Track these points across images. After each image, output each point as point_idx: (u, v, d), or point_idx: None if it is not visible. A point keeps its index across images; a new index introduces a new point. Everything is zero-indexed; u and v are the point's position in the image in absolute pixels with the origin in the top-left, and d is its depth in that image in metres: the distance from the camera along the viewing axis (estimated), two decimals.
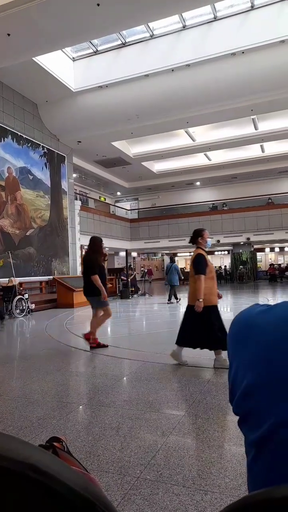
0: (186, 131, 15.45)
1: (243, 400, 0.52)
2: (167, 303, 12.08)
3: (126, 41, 11.04)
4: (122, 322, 8.85)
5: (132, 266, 23.83)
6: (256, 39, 9.85)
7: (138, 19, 8.95)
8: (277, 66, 10.23)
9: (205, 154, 18.94)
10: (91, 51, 11.46)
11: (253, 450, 0.51)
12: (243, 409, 0.53)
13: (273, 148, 18.17)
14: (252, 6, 9.89)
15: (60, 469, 0.37)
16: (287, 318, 0.53)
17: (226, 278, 24.20)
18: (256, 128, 15.12)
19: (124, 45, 11.11)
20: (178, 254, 29.71)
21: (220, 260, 27.41)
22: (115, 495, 1.96)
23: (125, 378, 4.16)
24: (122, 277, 16.27)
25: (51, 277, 13.16)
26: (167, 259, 29.77)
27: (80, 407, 3.29)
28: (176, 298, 12.12)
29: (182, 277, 12.75)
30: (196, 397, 3.40)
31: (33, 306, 10.91)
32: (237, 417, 0.57)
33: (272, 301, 12.23)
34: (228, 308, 10.80)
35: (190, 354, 5.21)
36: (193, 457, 2.35)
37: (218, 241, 20.50)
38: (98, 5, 7.77)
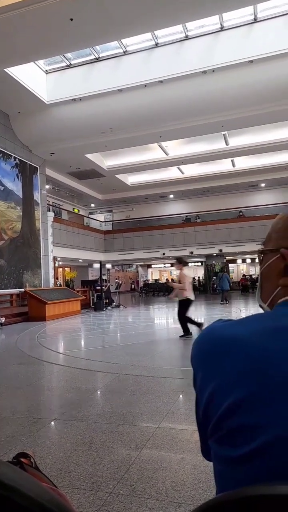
0: (159, 145, 15.73)
1: (228, 417, 0.50)
2: (221, 303, 14.86)
3: (100, 56, 11.19)
4: (96, 335, 8.73)
5: (106, 278, 23.70)
6: (225, 58, 10.24)
7: (110, 35, 9.12)
8: (246, 85, 10.65)
9: (178, 168, 19.30)
10: (64, 64, 11.52)
11: (238, 465, 0.49)
12: (228, 426, 0.50)
13: (243, 163, 18.78)
14: (221, 27, 10.30)
15: (25, 483, 0.36)
16: (264, 329, 0.53)
17: (200, 289, 24.45)
18: (227, 144, 15.60)
19: (97, 60, 11.25)
20: (152, 266, 29.85)
21: (194, 272, 27.72)
22: (87, 511, 1.91)
23: (98, 392, 4.09)
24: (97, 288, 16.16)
25: (23, 289, 12.85)
26: (141, 271, 29.81)
27: (52, 422, 3.20)
28: (226, 300, 15.03)
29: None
30: (170, 408, 3.38)
31: (3, 319, 10.58)
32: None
33: (244, 311, 12.40)
34: (202, 318, 10.89)
35: (164, 364, 5.20)
36: (167, 470, 2.32)
37: (192, 252, 20.77)
38: (71, 20, 7.87)
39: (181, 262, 7.46)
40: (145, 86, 11.09)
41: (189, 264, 27.26)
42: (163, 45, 10.78)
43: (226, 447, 0.51)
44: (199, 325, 7.20)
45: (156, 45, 10.78)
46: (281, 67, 10.07)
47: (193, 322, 7.20)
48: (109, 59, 11.20)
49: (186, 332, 7.17)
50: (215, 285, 22.73)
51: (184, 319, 7.20)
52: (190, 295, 7.12)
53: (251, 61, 10.17)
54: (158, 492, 2.07)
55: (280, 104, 11.19)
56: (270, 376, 0.48)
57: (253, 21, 10.05)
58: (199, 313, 12.91)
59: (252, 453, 0.47)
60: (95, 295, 16.18)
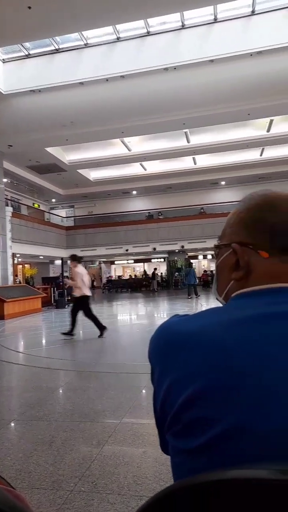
0: (122, 141, 15.65)
1: (185, 410, 0.50)
2: (188, 297, 15.09)
3: (60, 47, 10.91)
4: (58, 333, 8.58)
5: (68, 275, 23.30)
6: (186, 56, 10.35)
7: (70, 27, 8.94)
8: (207, 84, 10.84)
9: (141, 164, 19.33)
10: (22, 54, 11.12)
11: (194, 456, 0.49)
12: (185, 419, 0.51)
13: (204, 161, 19.16)
14: (182, 25, 10.39)
15: None
16: (218, 322, 0.54)
17: (163, 285, 24.75)
18: (188, 141, 15.83)
19: (57, 51, 10.96)
20: (116, 262, 29.77)
21: (158, 267, 27.98)
22: (48, 511, 1.87)
23: (59, 390, 4.03)
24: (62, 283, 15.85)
25: None
26: (104, 267, 29.63)
27: (11, 423, 3.11)
28: (197, 294, 15.28)
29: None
30: (133, 403, 3.40)
31: None
32: None
33: (205, 305, 12.68)
34: (165, 313, 11.02)
35: (127, 359, 5.21)
36: (129, 464, 2.34)
37: (154, 248, 20.94)
38: (29, 8, 7.60)
39: (75, 259, 7.31)
40: (107, 80, 10.97)
41: (152, 260, 27.47)
42: (125, 40, 10.71)
43: (183, 440, 0.51)
44: (101, 328, 7.02)
45: (118, 39, 10.69)
46: (240, 68, 10.34)
47: (98, 323, 7.02)
48: (69, 51, 10.95)
49: (71, 331, 7.03)
50: (178, 281, 23.12)
51: (75, 316, 7.03)
52: (86, 291, 6.97)
53: (212, 61, 10.36)
54: (119, 487, 2.07)
55: (239, 104, 11.50)
56: (225, 368, 0.49)
57: (213, 21, 10.24)
58: (162, 308, 13.09)
59: (207, 444, 0.48)
60: (56, 292, 15.88)
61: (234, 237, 0.64)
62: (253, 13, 9.90)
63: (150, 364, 0.60)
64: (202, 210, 22.26)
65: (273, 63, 10.16)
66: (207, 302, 13.47)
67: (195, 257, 27.83)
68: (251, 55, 10.09)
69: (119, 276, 28.91)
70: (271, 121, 14.05)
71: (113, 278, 27.87)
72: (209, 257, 28.74)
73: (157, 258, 27.09)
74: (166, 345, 0.57)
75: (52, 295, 16.17)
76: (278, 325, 0.52)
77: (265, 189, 0.66)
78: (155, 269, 23.63)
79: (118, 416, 3.13)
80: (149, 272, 26.21)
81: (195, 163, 19.38)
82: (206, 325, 0.55)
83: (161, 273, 26.70)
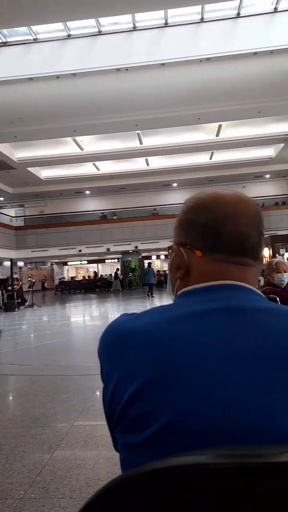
0: (74, 140, 15.39)
1: (130, 406, 0.52)
2: (149, 296, 15.27)
3: (7, 40, 10.50)
4: (7, 337, 8.24)
5: (18, 277, 22.47)
6: (138, 58, 10.42)
7: (18, 20, 8.65)
8: (159, 87, 10.99)
9: (93, 164, 19.14)
10: None
11: (138, 451, 0.51)
12: (130, 416, 0.52)
13: (156, 162, 19.41)
14: (134, 27, 10.46)
15: None
16: (161, 320, 0.57)
17: None
18: (141, 143, 15.94)
19: (5, 44, 10.54)
20: (69, 263, 29.22)
21: (111, 268, 27.88)
22: None
23: (9, 396, 3.88)
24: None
25: None
26: (56, 268, 28.95)
27: None
28: (151, 294, 15.32)
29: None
30: (86, 405, 3.36)
31: None
32: None
33: (158, 303, 12.88)
34: (119, 314, 11.02)
35: (80, 361, 5.15)
36: (81, 467, 2.31)
37: (108, 249, 20.86)
38: None
39: None
40: (58, 77, 10.75)
41: (106, 261, 27.36)
42: (76, 38, 10.55)
43: (129, 435, 0.53)
44: None
45: (69, 36, 10.51)
46: (190, 73, 10.62)
47: None
48: (18, 45, 10.58)
49: None
50: (132, 281, 23.21)
51: None
52: None
53: (163, 64, 10.53)
54: (71, 490, 2.05)
55: (189, 108, 11.79)
56: (167, 363, 0.51)
57: (164, 25, 10.43)
58: (117, 308, 13.08)
59: (151, 438, 0.49)
60: (5, 294, 15.25)
61: (176, 238, 0.68)
62: (202, 20, 10.22)
63: (100, 363, 0.61)
64: (155, 211, 22.56)
65: (221, 70, 10.56)
66: (160, 301, 13.68)
67: (149, 257, 28.14)
68: (201, 61, 10.40)
69: (72, 277, 28.42)
70: (220, 126, 14.58)
71: (66, 280, 27.34)
72: (162, 257, 29.20)
73: (111, 258, 27.02)
74: (113, 343, 0.58)
75: (1, 298, 15.50)
76: (214, 320, 0.55)
77: (201, 192, 0.68)
78: (118, 269, 23.56)
79: (70, 419, 3.08)
80: (104, 273, 26.08)
81: (147, 165, 19.58)
82: (150, 323, 0.57)
83: (115, 273, 26.66)
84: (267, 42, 10.08)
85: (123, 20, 10.38)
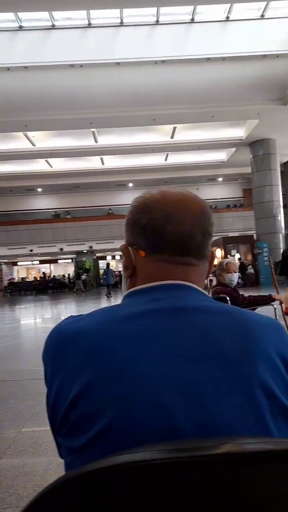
0: (25, 135, 14.86)
1: (72, 409, 0.51)
2: (108, 296, 15.30)
3: None
4: None
5: None
6: (92, 56, 10.31)
7: None
8: (113, 86, 10.95)
9: (46, 161, 18.63)
10: None
11: (81, 454, 0.50)
12: (72, 419, 0.52)
13: (112, 162, 19.32)
14: (89, 24, 10.33)
15: None
16: (104, 321, 0.57)
17: (70, 286, 24.25)
18: (96, 141, 15.77)
19: None
20: (19, 263, 28.17)
21: (64, 269, 27.30)
22: None
23: None
24: None
25: None
26: (5, 269, 27.79)
27: None
28: (109, 294, 15.25)
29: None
30: (35, 411, 3.22)
31: None
32: None
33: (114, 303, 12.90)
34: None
35: (29, 365, 4.97)
36: (29, 474, 2.20)
37: (61, 249, 20.42)
38: None
39: None
40: (8, 69, 10.33)
41: (59, 261, 26.74)
42: (29, 30, 10.21)
43: (71, 439, 0.52)
44: None
45: (20, 28, 10.14)
46: (145, 74, 10.71)
47: None
48: None
49: None
50: (86, 282, 22.88)
51: None
52: None
53: (118, 63, 10.51)
54: (18, 499, 1.94)
55: (145, 109, 11.86)
56: (107, 364, 0.51)
57: (119, 25, 10.40)
58: (70, 310, 12.83)
59: (92, 440, 0.49)
60: None
61: (125, 238, 0.69)
62: (157, 22, 10.33)
63: (43, 366, 0.60)
64: (110, 211, 22.45)
65: (176, 73, 10.76)
66: (116, 301, 13.61)
67: (103, 258, 27.96)
68: (156, 62, 10.52)
69: (22, 278, 27.43)
70: (175, 128, 14.83)
71: (16, 280, 26.33)
72: (117, 257, 29.17)
73: (65, 259, 26.46)
74: (56, 345, 0.58)
75: None
76: (155, 321, 0.55)
77: (148, 191, 0.68)
78: (81, 269, 23.09)
79: (17, 425, 2.93)
80: (57, 274, 25.49)
81: (103, 164, 19.43)
82: (94, 324, 0.57)
83: (68, 274, 26.16)
84: (220, 49, 10.43)
85: (78, 16, 10.21)
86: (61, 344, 0.57)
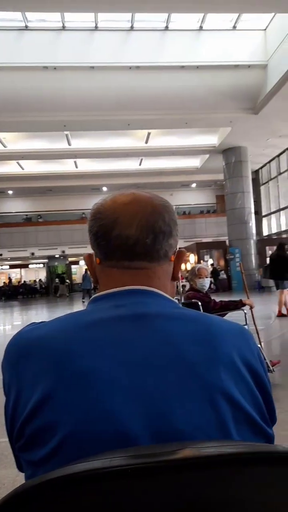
0: None
1: (30, 421, 0.50)
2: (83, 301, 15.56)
3: None
4: None
5: None
6: (66, 59, 10.23)
7: None
8: (88, 89, 10.89)
9: (17, 163, 18.23)
10: None
11: (41, 467, 0.48)
12: (30, 431, 0.50)
13: (86, 165, 19.17)
14: (63, 27, 10.26)
15: None
16: (66, 328, 0.55)
17: (42, 292, 23.75)
18: (69, 144, 15.60)
19: None
20: None
21: (35, 274, 26.73)
22: None
23: None
24: None
25: None
26: None
27: None
28: (84, 299, 15.41)
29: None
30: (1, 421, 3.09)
31: None
32: None
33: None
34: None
35: None
36: None
37: (33, 253, 20.01)
38: None
39: None
40: None
41: (30, 266, 26.17)
42: (0, 30, 10.01)
43: (30, 452, 0.51)
44: None
45: None
46: (120, 79, 10.73)
47: None
48: None
49: None
50: (58, 288, 22.49)
51: None
52: None
53: (92, 67, 10.48)
54: None
55: (119, 114, 11.82)
56: (67, 372, 0.50)
57: (94, 29, 10.40)
58: (41, 316, 12.55)
59: (52, 452, 0.48)
60: None
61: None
62: (132, 28, 10.40)
63: (2, 375, 0.58)
64: (83, 215, 22.23)
65: (150, 79, 10.85)
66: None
67: (76, 263, 27.63)
68: (130, 68, 10.57)
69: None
70: (149, 134, 14.93)
71: None
72: None
73: (36, 263, 25.92)
74: (16, 353, 0.56)
75: None
76: (118, 328, 0.54)
77: (103, 197, 0.67)
78: (64, 273, 22.69)
79: None
80: (28, 279, 24.93)
81: (76, 167, 19.25)
82: (56, 331, 0.55)
83: (40, 279, 25.65)
84: (193, 57, 10.62)
85: (52, 18, 10.13)
86: (20, 352, 0.55)
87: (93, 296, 0.63)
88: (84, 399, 0.48)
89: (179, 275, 0.68)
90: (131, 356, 0.51)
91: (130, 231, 0.60)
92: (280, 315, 7.56)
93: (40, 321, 0.62)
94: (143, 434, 0.46)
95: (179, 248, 0.68)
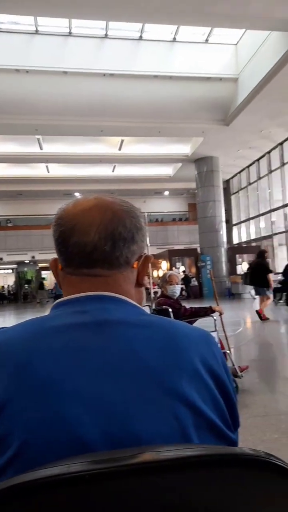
0: None
1: None
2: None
3: None
4: None
5: None
6: (40, 62, 10.13)
7: None
8: (61, 94, 10.81)
9: None
10: None
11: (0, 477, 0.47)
12: None
13: (58, 170, 18.96)
14: (36, 31, 10.17)
15: None
16: (28, 335, 0.54)
17: (10, 298, 23.10)
18: (41, 148, 15.40)
19: None
20: None
21: (4, 280, 25.99)
22: None
23: None
24: None
25: None
26: None
27: None
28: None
29: None
30: None
31: None
32: None
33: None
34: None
35: None
36: None
37: (1, 258, 19.49)
38: None
39: None
40: None
41: None
42: None
43: None
44: None
45: None
46: (94, 85, 10.74)
47: None
48: None
49: None
50: (28, 294, 21.97)
51: None
52: None
53: (65, 72, 10.44)
54: None
55: (92, 120, 11.79)
56: (25, 381, 0.49)
57: (68, 34, 10.38)
58: (9, 322, 12.18)
59: (8, 462, 0.46)
60: None
61: None
62: (106, 36, 10.47)
63: None
64: None
65: (124, 87, 10.93)
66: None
67: (47, 268, 27.16)
68: (104, 75, 10.61)
69: None
70: (122, 141, 15.00)
71: None
72: None
73: (4, 269, 25.22)
74: None
75: None
76: (80, 335, 0.53)
77: (68, 202, 0.67)
78: (43, 278, 22.13)
79: None
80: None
81: (48, 171, 19.00)
82: (16, 337, 0.54)
83: (8, 285, 24.97)
84: (167, 67, 10.81)
85: (25, 22, 10.03)
86: None
87: (56, 302, 0.62)
88: (41, 407, 0.47)
89: (145, 281, 0.67)
90: (91, 364, 0.50)
91: (88, 238, 0.59)
92: (265, 318, 7.97)
93: (1, 327, 0.60)
94: (101, 441, 0.46)
95: (146, 253, 0.67)
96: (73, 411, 0.47)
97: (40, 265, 23.83)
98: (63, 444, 0.46)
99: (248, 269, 8.69)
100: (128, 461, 0.37)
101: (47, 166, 18.27)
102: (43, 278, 22.41)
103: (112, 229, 0.60)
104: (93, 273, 0.60)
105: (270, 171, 16.32)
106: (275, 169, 15.92)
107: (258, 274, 7.88)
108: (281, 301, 10.44)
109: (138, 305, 0.63)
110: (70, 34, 10.32)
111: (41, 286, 21.34)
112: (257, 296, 9.23)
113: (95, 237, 0.59)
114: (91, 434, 0.46)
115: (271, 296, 8.36)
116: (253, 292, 13.33)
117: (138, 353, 0.52)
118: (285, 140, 14.71)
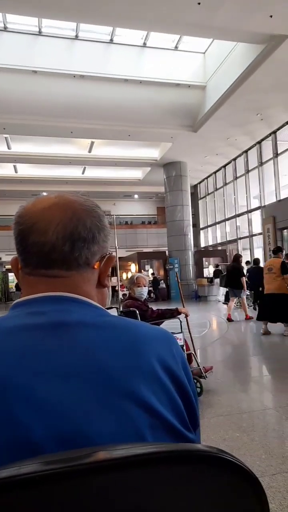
0: None
1: None
2: None
3: None
4: None
5: None
6: (8, 60, 9.90)
7: None
8: (30, 92, 10.60)
9: None
10: None
11: None
12: None
13: (26, 170, 18.54)
14: (5, 28, 9.94)
15: None
16: None
17: None
18: (9, 148, 15.02)
19: None
20: None
21: None
22: None
23: None
24: None
25: None
26: None
27: None
28: None
29: None
30: None
31: None
32: None
33: None
34: None
35: None
36: None
37: None
38: None
39: None
40: None
41: None
42: None
43: None
44: None
45: None
46: (63, 86, 10.62)
47: None
48: None
49: None
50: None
51: None
52: None
53: (35, 72, 10.27)
54: None
55: (61, 121, 11.65)
56: None
57: (38, 34, 10.22)
58: None
59: None
60: None
61: None
62: (77, 37, 10.40)
63: None
64: None
65: (95, 89, 10.89)
66: None
67: None
68: (74, 76, 10.53)
69: None
70: (93, 143, 14.91)
71: None
72: None
73: None
74: None
75: None
76: (36, 336, 0.52)
77: (29, 199, 0.65)
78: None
79: None
80: None
81: (16, 171, 18.55)
82: None
83: None
84: (136, 72, 10.88)
85: None
86: None
87: (14, 302, 0.61)
88: (3, 413, 0.46)
89: (107, 281, 0.65)
90: (47, 366, 0.50)
91: (45, 238, 0.57)
92: (248, 318, 8.48)
93: None
94: (53, 444, 0.45)
95: (109, 254, 0.65)
96: (24, 414, 0.46)
97: (7, 266, 23.16)
98: (14, 446, 0.45)
99: (226, 272, 9.15)
100: (81, 461, 0.37)
101: (15, 166, 17.84)
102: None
103: (71, 228, 0.59)
104: (51, 274, 0.58)
105: (236, 178, 16.79)
106: (240, 176, 16.40)
107: (234, 277, 8.27)
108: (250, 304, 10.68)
109: (99, 306, 0.61)
110: (40, 33, 10.17)
111: (17, 287, 20.73)
112: (222, 298, 9.47)
113: (53, 237, 0.58)
114: (43, 437, 0.45)
115: (245, 297, 8.76)
116: (220, 297, 13.66)
117: (95, 355, 0.52)
118: (249, 148, 15.20)
